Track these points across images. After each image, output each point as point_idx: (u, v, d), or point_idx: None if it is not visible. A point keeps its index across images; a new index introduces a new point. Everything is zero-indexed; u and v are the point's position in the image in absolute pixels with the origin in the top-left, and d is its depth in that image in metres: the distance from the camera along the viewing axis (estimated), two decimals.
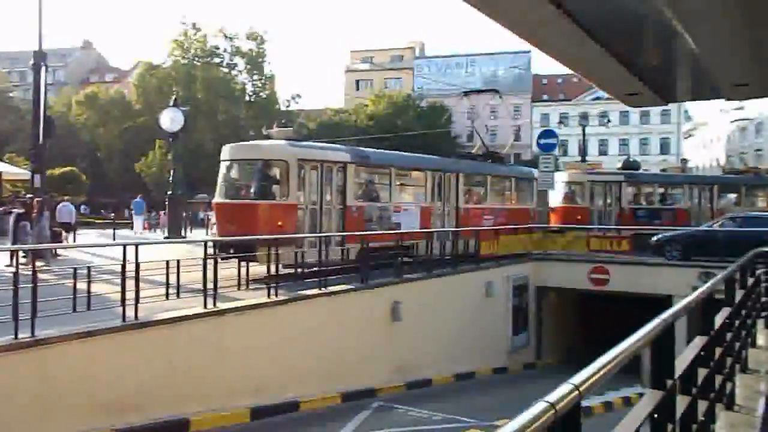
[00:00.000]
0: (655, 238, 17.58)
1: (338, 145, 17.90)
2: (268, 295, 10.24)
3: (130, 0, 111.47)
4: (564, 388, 1.65)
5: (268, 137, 15.15)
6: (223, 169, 14.10)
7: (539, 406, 1.49)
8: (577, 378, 1.76)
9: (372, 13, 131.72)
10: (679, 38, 1.67)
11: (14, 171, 27.43)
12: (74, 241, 21.45)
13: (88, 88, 61.95)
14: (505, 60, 67.58)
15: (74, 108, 56.58)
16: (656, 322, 2.53)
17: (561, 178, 22.95)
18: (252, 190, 13.74)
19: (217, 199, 14.01)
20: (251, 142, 15.72)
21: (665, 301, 15.00)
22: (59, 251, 13.97)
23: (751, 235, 15.11)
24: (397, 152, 18.97)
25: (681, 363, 3.08)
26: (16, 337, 6.90)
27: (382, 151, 19.52)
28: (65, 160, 40.58)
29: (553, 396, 1.57)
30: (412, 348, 13.21)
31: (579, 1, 1.53)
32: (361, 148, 17.82)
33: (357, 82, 71.51)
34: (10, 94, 61.86)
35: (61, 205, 24.85)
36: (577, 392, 1.68)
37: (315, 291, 11.17)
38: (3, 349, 6.77)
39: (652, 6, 1.50)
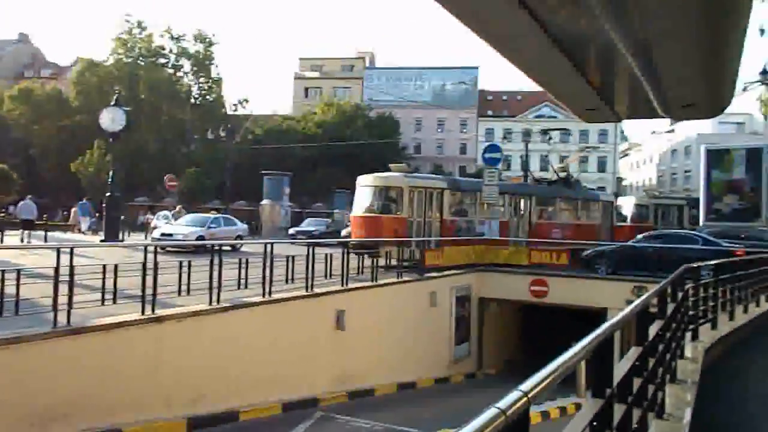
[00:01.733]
0: (585, 253, 18.38)
1: (438, 175, 25.46)
2: (210, 302, 10.00)
3: None
4: (514, 395, 1.69)
5: (387, 170, 20.84)
6: (359, 192, 20.32)
7: (490, 413, 1.52)
8: (526, 385, 1.80)
9: (323, 20, 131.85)
10: (642, 56, 1.75)
11: None
12: (29, 240, 20.57)
13: (22, 83, 59.14)
14: (453, 75, 68.85)
15: (6, 103, 53.94)
16: (597, 333, 2.62)
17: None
18: (378, 207, 19.63)
19: (355, 213, 20.30)
20: (379, 174, 20.70)
21: (601, 314, 15.66)
22: None
23: (675, 252, 16.09)
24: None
25: (618, 372, 3.20)
26: None
27: (471, 179, 26.87)
28: None
29: (503, 403, 1.60)
30: (355, 357, 13.17)
31: (553, 14, 1.58)
32: (455, 178, 24.90)
33: (306, 89, 71.21)
34: None
35: (21, 202, 23.78)
36: (526, 399, 1.72)
37: (257, 298, 11.00)
38: None
39: (624, 24, 1.57)
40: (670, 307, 5.47)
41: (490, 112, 69.40)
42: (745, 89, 25.62)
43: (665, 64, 1.83)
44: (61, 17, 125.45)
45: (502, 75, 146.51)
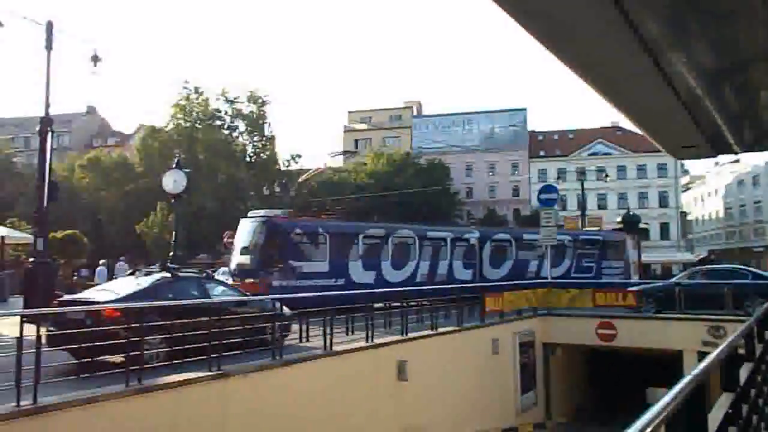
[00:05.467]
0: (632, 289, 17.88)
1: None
2: (272, 357, 10.04)
3: (133, 66, 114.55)
4: None
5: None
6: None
7: None
8: None
9: (369, 74, 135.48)
10: (752, 90, 1.70)
11: (17, 235, 27.46)
12: None
13: (91, 152, 62.77)
14: (502, 118, 68.85)
15: (77, 172, 57.20)
16: (688, 378, 2.46)
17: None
18: None
19: None
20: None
21: (675, 356, 14.83)
22: None
23: (724, 287, 15.69)
24: None
25: (713, 422, 2.99)
26: (18, 404, 6.72)
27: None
28: (67, 223, 40.66)
29: None
30: (418, 408, 12.88)
31: (676, 53, 1.57)
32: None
33: (356, 141, 72.61)
34: (14, 160, 62.64)
35: (98, 268, 25.34)
36: None
37: (319, 351, 10.98)
38: (3, 417, 6.58)
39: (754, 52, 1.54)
40: (759, 348, 5.12)
41: (542, 153, 68.62)
42: None
43: None
44: (124, 89, 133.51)
45: (550, 115, 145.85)
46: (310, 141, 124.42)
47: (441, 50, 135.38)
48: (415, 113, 74.49)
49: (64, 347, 8.70)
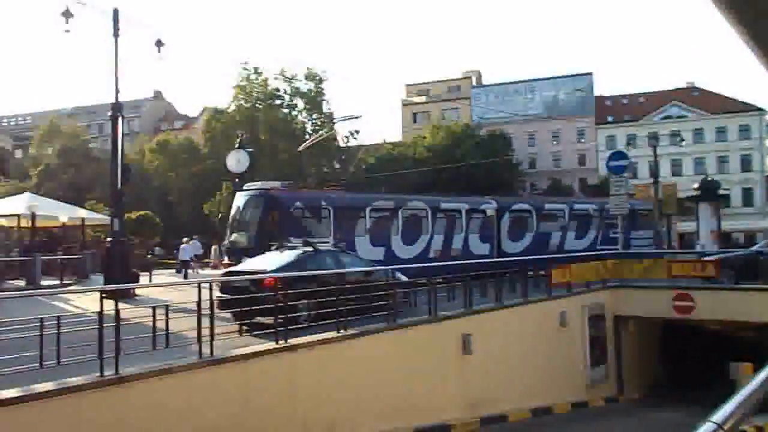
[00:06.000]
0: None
1: None
2: (337, 330, 10.16)
3: (196, 49, 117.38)
4: (707, 427, 1.44)
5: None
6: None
7: None
8: (718, 416, 1.54)
9: (426, 46, 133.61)
10: None
11: (95, 217, 28.96)
12: (185, 278, 22.62)
13: (159, 136, 65.16)
14: (566, 83, 66.50)
15: (147, 155, 59.54)
16: None
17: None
18: None
19: None
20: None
21: (760, 330, 14.01)
22: (137, 291, 14.47)
23: None
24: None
25: None
26: (101, 375, 7.06)
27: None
28: (140, 204, 42.53)
29: None
30: (484, 382, 12.79)
31: None
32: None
33: (414, 114, 72.06)
34: (90, 146, 65.84)
35: (182, 246, 26.35)
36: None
37: (382, 325, 11.03)
38: (89, 386, 6.94)
39: None
40: None
41: (609, 118, 65.89)
42: None
43: None
44: (188, 72, 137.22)
45: (619, 78, 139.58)
46: (367, 117, 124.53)
47: (500, 16, 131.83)
48: (474, 83, 73.01)
49: (231, 309, 10.05)
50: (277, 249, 13.27)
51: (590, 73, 66.80)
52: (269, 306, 9.39)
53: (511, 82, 69.55)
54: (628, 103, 67.49)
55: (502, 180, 51.61)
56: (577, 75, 66.81)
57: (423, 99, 71.86)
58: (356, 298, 10.84)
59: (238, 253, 16.68)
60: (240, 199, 18.64)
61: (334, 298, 10.18)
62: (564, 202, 26.68)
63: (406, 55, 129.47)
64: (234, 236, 18.25)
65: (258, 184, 19.09)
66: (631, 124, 63.28)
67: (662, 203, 28.90)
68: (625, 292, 17.37)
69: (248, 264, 13.13)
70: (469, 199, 23.81)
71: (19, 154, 73.81)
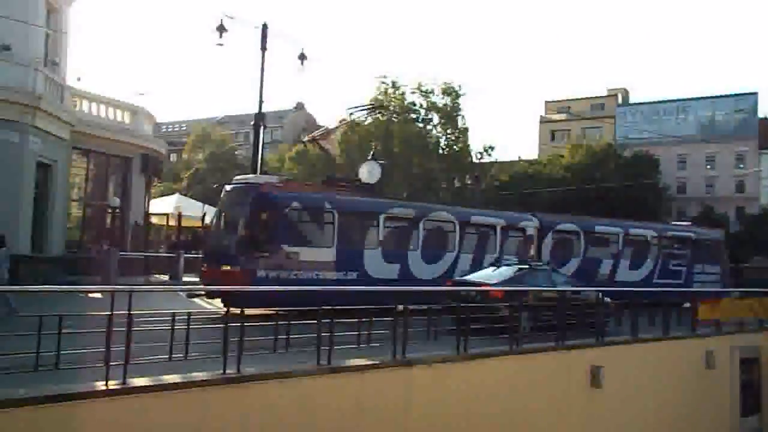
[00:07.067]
0: None
1: None
2: (457, 350, 9.87)
3: (337, 63, 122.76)
4: None
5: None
6: None
7: None
8: None
9: (568, 61, 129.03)
10: None
11: None
12: None
13: (298, 145, 68.69)
14: (725, 104, 60.88)
15: (287, 163, 62.95)
16: None
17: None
18: None
19: None
20: None
21: None
22: None
23: None
24: None
25: None
26: (224, 372, 7.37)
27: None
28: None
29: None
30: (613, 420, 11.83)
31: None
32: None
33: (552, 132, 69.68)
34: (236, 153, 71.06)
35: None
36: None
37: (505, 348, 10.58)
38: (213, 383, 7.26)
39: None
40: None
41: None
42: None
43: None
44: (328, 85, 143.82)
45: None
46: (503, 133, 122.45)
47: (649, 33, 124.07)
48: (620, 101, 69.15)
49: (454, 315, 10.89)
50: (492, 265, 14.82)
51: (755, 93, 60.66)
52: (493, 315, 11.01)
53: (661, 101, 64.97)
54: None
55: (645, 204, 48.18)
56: (740, 94, 60.92)
57: (563, 116, 69.33)
58: (568, 315, 11.85)
59: (218, 260, 14.34)
60: (225, 195, 15.75)
61: (550, 312, 11.77)
62: (617, 225, 22.68)
63: (547, 71, 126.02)
64: (215, 239, 15.72)
65: (250, 177, 16.22)
66: None
67: None
68: None
69: (471, 277, 14.38)
70: (507, 214, 20.87)
71: (173, 158, 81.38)
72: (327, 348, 8.27)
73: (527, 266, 13.77)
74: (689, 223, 26.67)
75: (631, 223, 23.67)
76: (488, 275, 13.63)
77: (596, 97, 69.99)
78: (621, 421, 12.01)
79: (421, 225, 17.19)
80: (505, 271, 13.61)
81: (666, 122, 62.11)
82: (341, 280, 14.81)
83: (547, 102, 73.16)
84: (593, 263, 20.52)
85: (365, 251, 15.78)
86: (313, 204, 15.32)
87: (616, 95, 69.47)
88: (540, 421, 10.67)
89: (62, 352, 6.51)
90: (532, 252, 19.28)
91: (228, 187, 15.89)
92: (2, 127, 16.99)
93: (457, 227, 17.98)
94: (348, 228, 15.64)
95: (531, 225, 19.93)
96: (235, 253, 14.02)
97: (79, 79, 23.60)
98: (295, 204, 14.83)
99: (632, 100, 70.19)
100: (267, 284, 13.48)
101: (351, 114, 20.80)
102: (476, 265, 17.11)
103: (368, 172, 22.55)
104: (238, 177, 16.73)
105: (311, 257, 14.62)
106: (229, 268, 13.86)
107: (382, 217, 16.37)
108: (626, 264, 21.17)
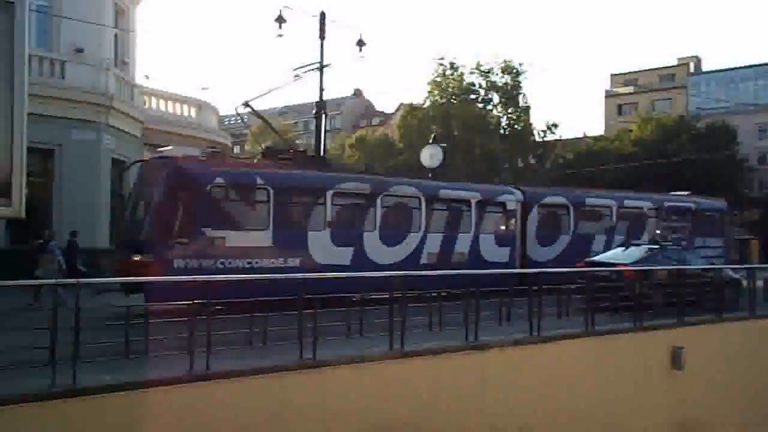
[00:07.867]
0: None
1: None
2: (530, 332, 9.71)
3: (395, 48, 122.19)
4: None
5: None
6: None
7: None
8: None
9: (634, 32, 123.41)
10: None
11: None
12: None
13: (358, 131, 69.21)
14: None
15: (347, 150, 63.53)
16: None
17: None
18: None
19: None
20: None
21: None
22: None
23: None
24: None
25: None
26: (301, 358, 7.51)
27: None
28: None
29: None
30: (697, 403, 11.39)
31: None
32: None
33: (619, 106, 67.04)
34: (297, 141, 72.19)
35: None
36: None
37: (580, 329, 10.34)
38: (291, 368, 7.43)
39: None
40: None
41: None
42: None
43: None
44: (386, 70, 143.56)
45: None
46: (567, 110, 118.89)
47: None
48: (692, 70, 65.69)
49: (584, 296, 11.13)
50: (621, 246, 15.75)
51: None
52: (625, 294, 11.51)
53: (737, 68, 61.24)
54: None
55: (722, 178, 45.77)
56: None
57: (630, 89, 66.58)
58: (693, 293, 12.57)
59: (129, 248, 12.13)
60: (139, 171, 13.90)
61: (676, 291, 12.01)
62: (611, 197, 20.39)
63: (612, 43, 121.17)
64: (126, 225, 13.79)
65: (166, 150, 14.12)
66: None
67: None
68: None
69: (604, 257, 15.10)
70: (484, 186, 18.38)
71: (237, 150, 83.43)
72: (399, 333, 8.30)
73: (657, 246, 14.71)
74: (689, 192, 23.94)
75: (625, 194, 21.43)
76: (620, 254, 14.70)
77: (665, 67, 66.71)
78: (704, 402, 11.57)
79: (378, 201, 14.76)
80: (637, 252, 14.56)
81: (743, 90, 58.56)
82: (279, 267, 12.73)
83: (612, 75, 70.37)
84: (584, 240, 18.46)
85: (309, 233, 13.55)
86: (242, 180, 13.11)
87: (687, 64, 65.96)
88: (618, 403, 10.43)
89: (150, 338, 6.82)
90: (513, 228, 17.23)
91: (141, 163, 14.26)
92: (79, 127, 17.84)
93: (423, 203, 15.57)
94: (287, 207, 13.55)
95: (512, 199, 17.52)
96: (146, 240, 11.84)
97: (147, 77, 24.49)
98: (219, 180, 12.57)
99: (705, 68, 66.58)
100: (190, 275, 10.78)
101: (296, 76, 17.63)
102: (448, 248, 15.57)
103: (430, 156, 22.42)
104: (154, 153, 14.94)
105: (241, 242, 12.50)
106: (140, 257, 11.58)
107: (329, 194, 13.94)
108: (621, 240, 18.45)
